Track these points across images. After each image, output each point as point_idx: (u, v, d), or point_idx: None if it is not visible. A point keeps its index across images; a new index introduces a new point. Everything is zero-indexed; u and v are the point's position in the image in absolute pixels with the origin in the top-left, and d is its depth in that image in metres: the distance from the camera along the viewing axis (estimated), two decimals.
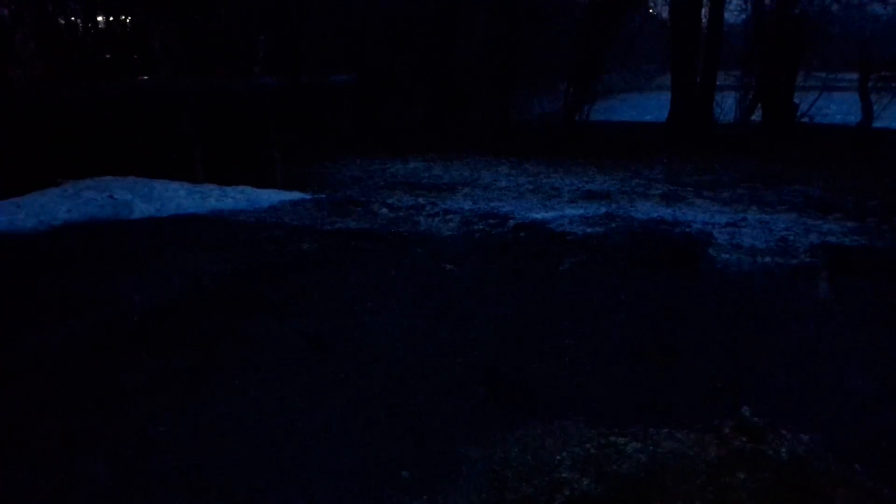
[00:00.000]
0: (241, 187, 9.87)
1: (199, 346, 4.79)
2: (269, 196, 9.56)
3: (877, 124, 17.28)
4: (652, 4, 18.05)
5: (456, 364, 4.50)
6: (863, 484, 3.19)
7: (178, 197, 9.22)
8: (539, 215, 8.53)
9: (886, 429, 3.66)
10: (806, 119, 16.94)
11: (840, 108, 17.87)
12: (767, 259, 6.67)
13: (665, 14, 17.15)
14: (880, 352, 4.64)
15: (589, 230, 7.79)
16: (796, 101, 16.56)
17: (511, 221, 8.24)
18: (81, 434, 3.66)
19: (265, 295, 5.87)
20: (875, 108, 17.29)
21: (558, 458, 3.40)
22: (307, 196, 9.73)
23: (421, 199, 9.56)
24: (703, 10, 15.73)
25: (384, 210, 8.91)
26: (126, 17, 16.07)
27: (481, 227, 8.03)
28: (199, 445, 3.56)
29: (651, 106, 21.73)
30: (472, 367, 4.46)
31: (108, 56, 16.37)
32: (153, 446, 3.55)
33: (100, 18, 16.49)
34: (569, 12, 17.14)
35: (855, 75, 17.79)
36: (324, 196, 9.77)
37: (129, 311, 5.46)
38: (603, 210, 8.74)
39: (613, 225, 8.00)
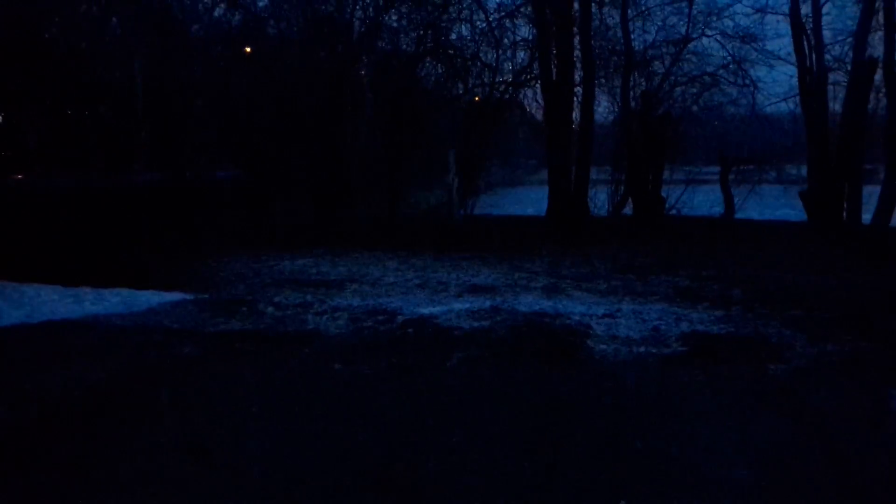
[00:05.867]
0: (117, 289, 9.54)
1: (67, 462, 4.53)
2: (149, 298, 9.27)
3: (739, 215, 18.64)
4: (528, 106, 19.08)
5: (345, 468, 4.44)
6: None
7: (51, 301, 8.83)
8: (427, 310, 8.64)
9: None
10: (674, 211, 18.06)
11: (705, 200, 19.15)
12: (642, 349, 6.99)
13: (540, 116, 18.15)
14: (749, 438, 4.92)
15: (475, 324, 7.96)
16: (664, 194, 17.68)
17: (399, 317, 8.31)
18: None
19: (142, 403, 5.64)
20: (736, 200, 18.69)
21: None
22: (189, 296, 9.49)
23: (309, 297, 9.51)
24: (575, 113, 16.76)
25: (270, 309, 8.80)
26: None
27: (370, 323, 8.05)
28: None
29: (533, 199, 22.63)
30: (362, 471, 4.41)
31: None
32: None
33: None
34: (450, 114, 17.88)
35: (718, 169, 19.26)
36: (207, 296, 9.56)
37: None
38: (488, 304, 8.95)
39: (499, 318, 8.20)
